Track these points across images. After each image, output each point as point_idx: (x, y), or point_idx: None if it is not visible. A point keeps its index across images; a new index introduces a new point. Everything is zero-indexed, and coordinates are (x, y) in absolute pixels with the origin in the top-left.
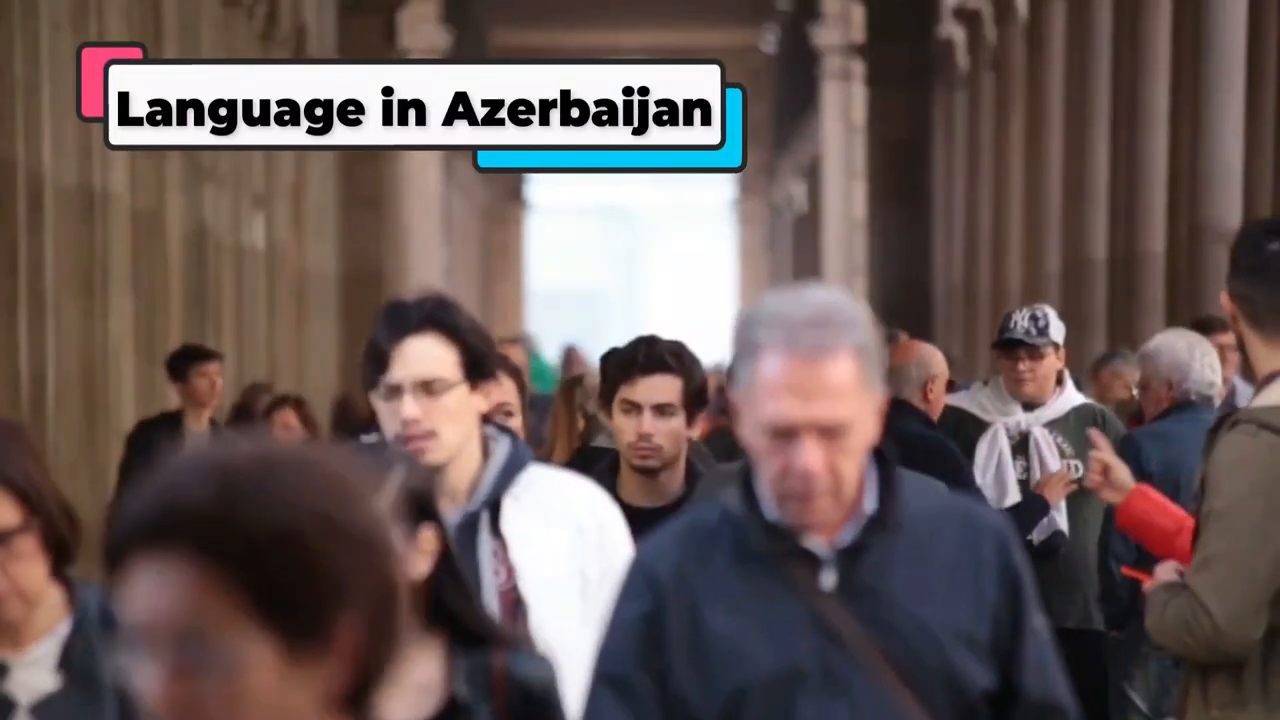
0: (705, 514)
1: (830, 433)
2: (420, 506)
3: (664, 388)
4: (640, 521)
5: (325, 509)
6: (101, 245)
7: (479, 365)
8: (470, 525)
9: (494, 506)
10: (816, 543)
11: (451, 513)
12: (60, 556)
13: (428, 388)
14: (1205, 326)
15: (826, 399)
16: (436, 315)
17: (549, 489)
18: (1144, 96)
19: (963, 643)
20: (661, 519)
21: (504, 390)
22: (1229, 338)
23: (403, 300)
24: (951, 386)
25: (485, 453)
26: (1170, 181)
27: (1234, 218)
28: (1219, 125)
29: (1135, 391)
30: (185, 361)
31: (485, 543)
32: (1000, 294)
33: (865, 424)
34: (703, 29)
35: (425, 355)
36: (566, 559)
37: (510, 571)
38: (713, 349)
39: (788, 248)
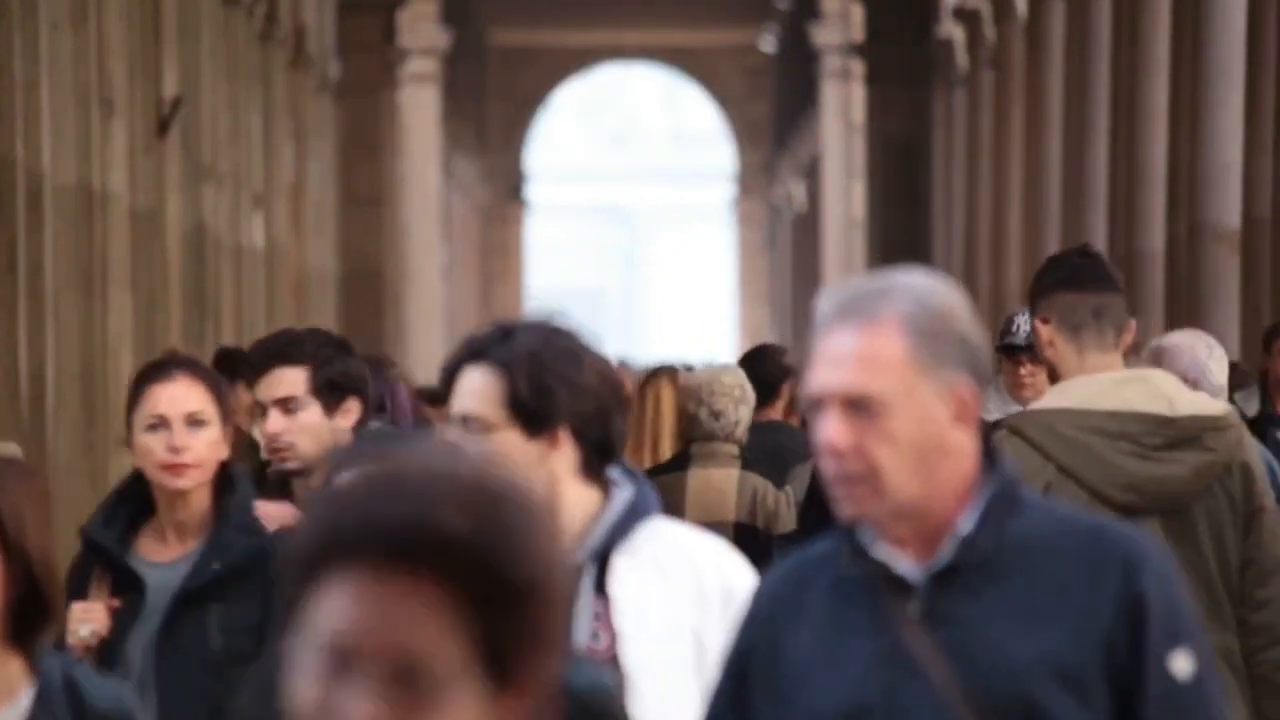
0: (820, 544)
1: (856, 407)
2: None
3: (288, 381)
4: None
5: (561, 560)
6: (101, 244)
7: (532, 407)
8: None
9: (602, 561)
10: (908, 566)
11: None
12: (24, 622)
13: (468, 427)
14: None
15: (854, 368)
16: (491, 346)
17: (671, 546)
18: (1143, 96)
19: (1054, 677)
20: None
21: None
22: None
23: (490, 325)
24: None
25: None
26: (1170, 181)
27: (1234, 217)
28: (1219, 124)
29: None
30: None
31: (587, 602)
32: (1000, 293)
33: (916, 407)
34: (702, 29)
35: (468, 390)
36: (682, 626)
37: (614, 637)
38: (712, 347)
39: (787, 247)
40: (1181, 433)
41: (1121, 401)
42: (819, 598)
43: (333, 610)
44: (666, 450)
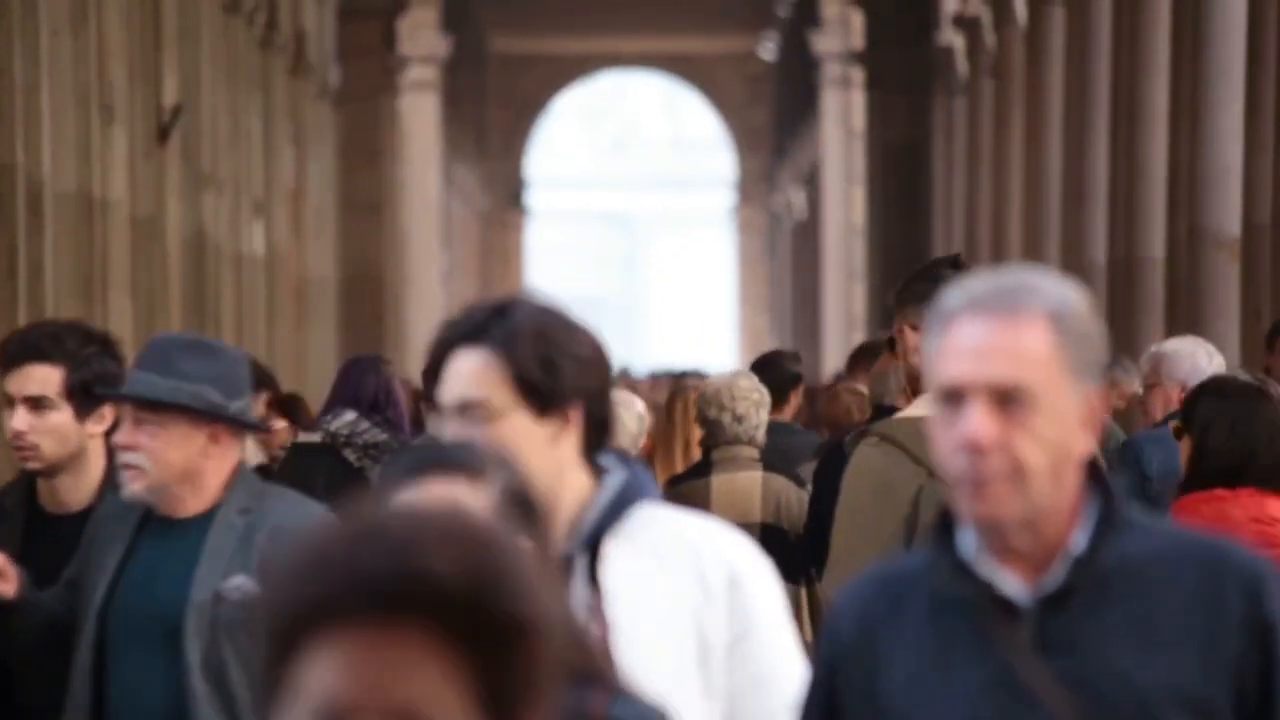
0: (910, 560)
1: (1005, 398)
2: (522, 512)
3: (39, 378)
4: (47, 530)
5: (558, 606)
6: (101, 250)
7: (541, 386)
8: (564, 571)
9: (595, 549)
10: (1015, 586)
11: None
12: None
13: (469, 413)
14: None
15: (1003, 359)
16: (489, 325)
17: (668, 531)
18: (1143, 100)
19: (1185, 707)
20: (68, 528)
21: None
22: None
23: (468, 307)
24: None
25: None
26: (1170, 185)
27: (1234, 221)
28: (1219, 128)
29: (1139, 388)
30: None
31: (580, 593)
32: None
33: (1059, 407)
34: (702, 36)
35: (466, 373)
36: (681, 618)
37: (606, 630)
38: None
39: (787, 254)
40: None
41: None
42: (916, 619)
43: (325, 676)
44: (691, 455)
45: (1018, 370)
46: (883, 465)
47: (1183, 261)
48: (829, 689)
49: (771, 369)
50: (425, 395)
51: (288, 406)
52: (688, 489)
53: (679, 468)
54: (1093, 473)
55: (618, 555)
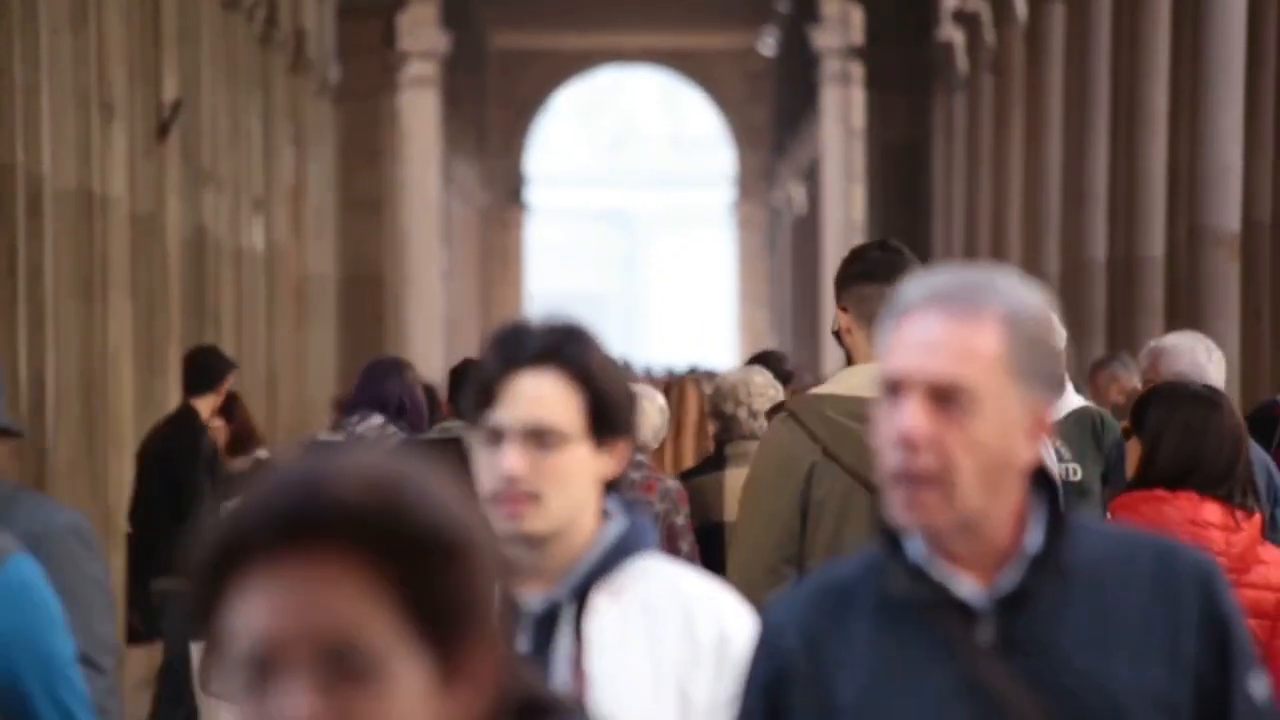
0: (846, 566)
1: (943, 396)
2: None
3: None
4: None
5: (472, 518)
6: (101, 248)
7: (608, 418)
8: (550, 618)
9: (583, 598)
10: (971, 588)
11: (536, 599)
12: None
13: (539, 439)
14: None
15: (947, 356)
16: (562, 348)
17: (662, 586)
18: (1143, 98)
19: (1154, 707)
20: None
21: None
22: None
23: (523, 324)
24: None
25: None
26: (1170, 184)
27: (1234, 220)
28: (1219, 127)
29: (1138, 384)
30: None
31: (564, 643)
32: None
33: (1002, 413)
34: (702, 32)
35: (540, 397)
36: (665, 675)
37: (583, 683)
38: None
39: (787, 251)
40: None
41: None
42: (862, 627)
43: (250, 614)
44: (688, 452)
45: (960, 369)
46: (785, 441)
47: (1183, 260)
48: (774, 703)
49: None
50: (451, 399)
51: (227, 406)
52: (701, 483)
53: (669, 465)
54: (1038, 480)
55: (606, 608)
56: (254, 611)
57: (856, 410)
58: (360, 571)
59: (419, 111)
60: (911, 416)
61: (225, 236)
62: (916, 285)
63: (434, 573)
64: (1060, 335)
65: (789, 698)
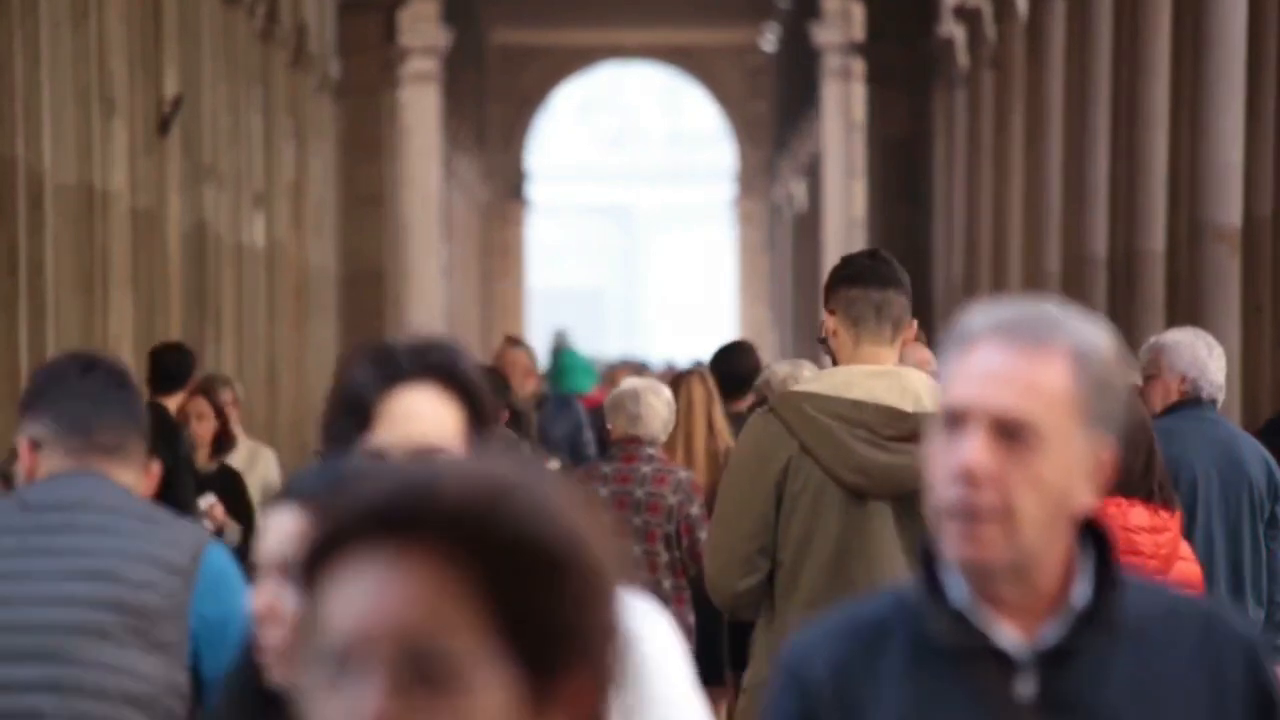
0: (877, 603)
1: (1008, 432)
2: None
3: None
4: None
5: (578, 535)
6: (101, 243)
7: (485, 428)
8: None
9: None
10: (1013, 638)
11: None
12: None
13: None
14: None
15: (1014, 390)
16: (438, 362)
17: None
18: (1144, 95)
19: None
20: None
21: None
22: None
23: (390, 343)
24: None
25: None
26: (1170, 180)
27: (1234, 216)
28: (1219, 124)
29: (1139, 380)
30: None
31: None
32: (1000, 293)
33: (1066, 453)
34: (702, 28)
35: (420, 417)
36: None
37: None
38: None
39: (787, 247)
40: (916, 427)
41: (868, 393)
42: (895, 667)
43: (338, 607)
44: (699, 446)
45: (1027, 404)
46: (763, 435)
47: (1183, 255)
48: None
49: (734, 358)
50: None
51: (214, 405)
52: None
53: (679, 459)
54: (1089, 526)
55: None
56: (342, 604)
57: (836, 409)
58: (455, 575)
59: (420, 107)
60: (975, 451)
61: (226, 232)
62: (982, 315)
63: (534, 587)
64: (1127, 377)
65: None
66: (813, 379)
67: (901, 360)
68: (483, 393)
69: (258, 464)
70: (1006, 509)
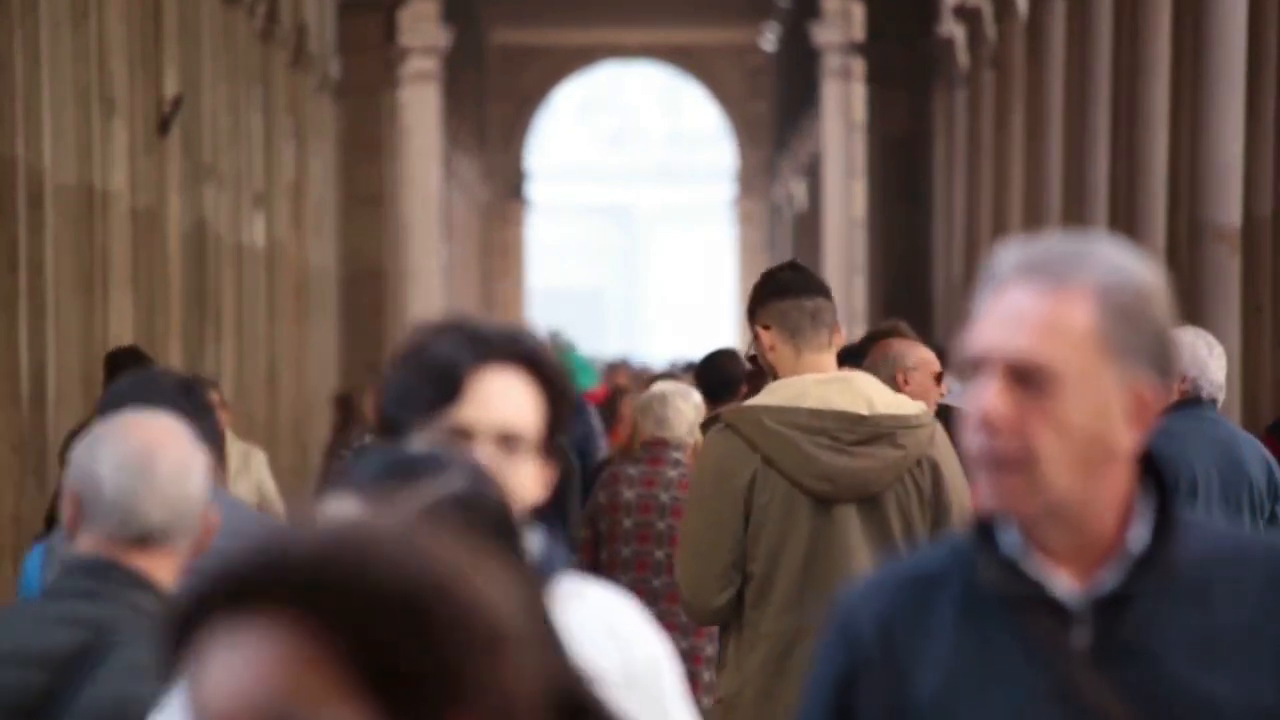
0: (931, 554)
1: (1023, 379)
2: (498, 530)
3: None
4: None
5: (444, 579)
6: (101, 243)
7: (561, 423)
8: None
9: None
10: (1067, 586)
11: None
12: None
13: (507, 443)
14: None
15: (1029, 333)
16: (528, 349)
17: (593, 612)
18: (1144, 93)
19: None
20: None
21: None
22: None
23: (477, 322)
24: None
25: None
26: (1170, 180)
27: (1234, 216)
28: (1219, 124)
29: None
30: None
31: None
32: None
33: (1093, 393)
34: (703, 27)
35: (510, 398)
36: None
37: None
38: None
39: (787, 246)
40: (875, 429)
41: (822, 400)
42: (945, 622)
43: (202, 685)
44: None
45: (1041, 347)
46: (722, 451)
47: (1183, 254)
48: (844, 696)
49: (720, 363)
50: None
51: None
52: None
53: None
54: (1147, 467)
55: None
56: (208, 682)
57: (795, 419)
58: (315, 640)
59: (420, 107)
60: (990, 397)
61: (226, 232)
62: (1010, 254)
63: (397, 639)
64: (1167, 308)
65: (861, 690)
66: (765, 392)
67: (902, 360)
68: (566, 388)
69: (250, 467)
70: (1029, 455)
